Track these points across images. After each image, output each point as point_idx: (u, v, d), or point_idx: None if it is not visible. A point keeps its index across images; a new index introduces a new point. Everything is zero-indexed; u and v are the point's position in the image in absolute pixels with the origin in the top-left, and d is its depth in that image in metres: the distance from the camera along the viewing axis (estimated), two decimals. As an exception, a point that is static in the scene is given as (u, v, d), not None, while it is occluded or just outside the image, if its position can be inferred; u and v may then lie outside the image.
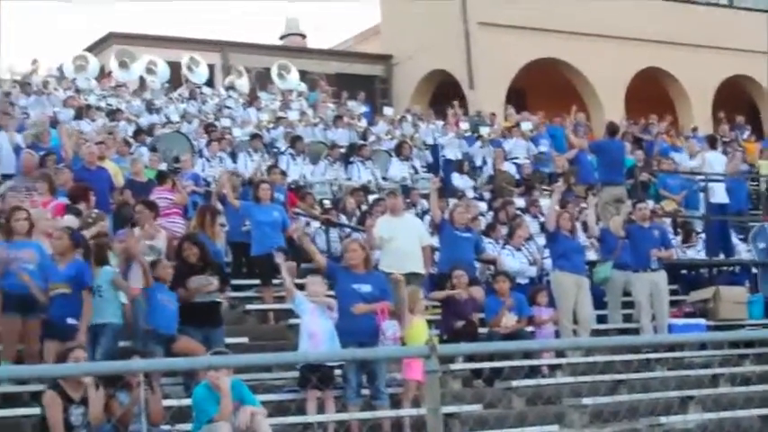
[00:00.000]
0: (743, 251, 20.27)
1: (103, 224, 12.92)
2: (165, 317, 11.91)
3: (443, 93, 34.49)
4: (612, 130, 19.80)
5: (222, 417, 10.15)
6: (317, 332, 11.92)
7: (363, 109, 28.55)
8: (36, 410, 10.19)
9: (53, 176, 15.04)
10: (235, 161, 21.25)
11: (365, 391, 12.27)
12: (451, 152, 24.14)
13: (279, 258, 12.83)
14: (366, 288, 12.45)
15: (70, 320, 11.36)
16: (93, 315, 11.57)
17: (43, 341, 11.46)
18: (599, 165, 20.07)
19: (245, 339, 13.33)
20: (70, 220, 12.89)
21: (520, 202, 20.27)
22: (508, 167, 23.17)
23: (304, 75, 31.87)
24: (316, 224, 18.58)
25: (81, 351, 10.19)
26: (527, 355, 14.21)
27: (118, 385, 10.02)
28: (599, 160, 20.07)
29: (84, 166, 16.48)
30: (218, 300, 12.60)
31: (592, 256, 17.47)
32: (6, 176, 17.51)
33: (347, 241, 13.60)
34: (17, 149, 18.60)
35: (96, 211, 13.23)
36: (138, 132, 22.22)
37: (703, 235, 20.13)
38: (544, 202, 19.34)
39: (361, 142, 23.73)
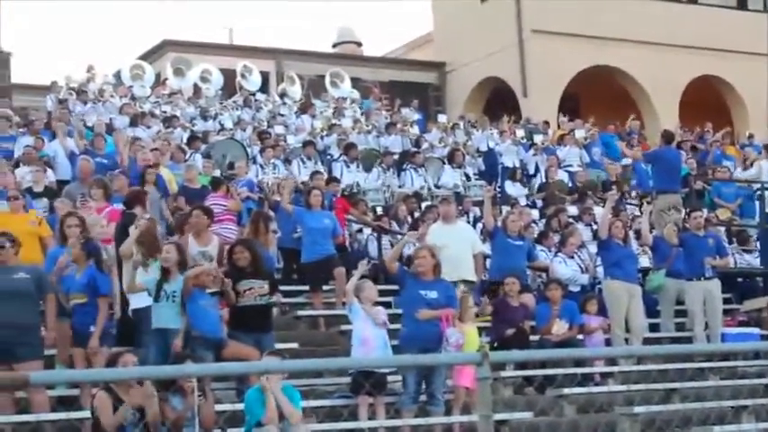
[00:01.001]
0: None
1: (145, 223, 12.85)
2: (208, 321, 11.87)
3: (497, 100, 34.48)
4: (668, 138, 19.72)
5: (269, 420, 10.21)
6: (370, 338, 11.96)
7: (416, 116, 28.56)
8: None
9: (108, 183, 15.19)
10: (288, 168, 21.38)
11: (421, 398, 12.30)
12: (509, 159, 24.10)
13: (361, 267, 12.81)
14: (432, 294, 12.46)
15: (93, 329, 11.48)
16: (165, 320, 11.67)
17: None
18: (655, 173, 19.99)
19: (295, 345, 13.37)
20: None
21: (572, 209, 20.21)
22: (561, 175, 23.11)
23: (357, 82, 31.97)
24: (368, 231, 18.65)
25: (130, 356, 10.32)
26: (578, 363, 14.18)
27: (171, 390, 10.11)
28: (655, 168, 19.99)
29: (140, 172, 16.62)
30: (272, 301, 12.64)
31: (645, 263, 17.39)
32: (62, 183, 17.74)
33: (417, 248, 13.60)
34: (71, 156, 18.84)
35: (147, 215, 13.27)
36: (193, 139, 22.38)
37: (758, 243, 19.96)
38: (597, 210, 19.28)
39: (414, 149, 23.75)
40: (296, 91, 29.77)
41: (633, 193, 22.20)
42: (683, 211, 18.55)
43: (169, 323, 11.68)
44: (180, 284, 11.78)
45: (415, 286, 12.56)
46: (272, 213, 16.17)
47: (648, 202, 18.67)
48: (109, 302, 11.78)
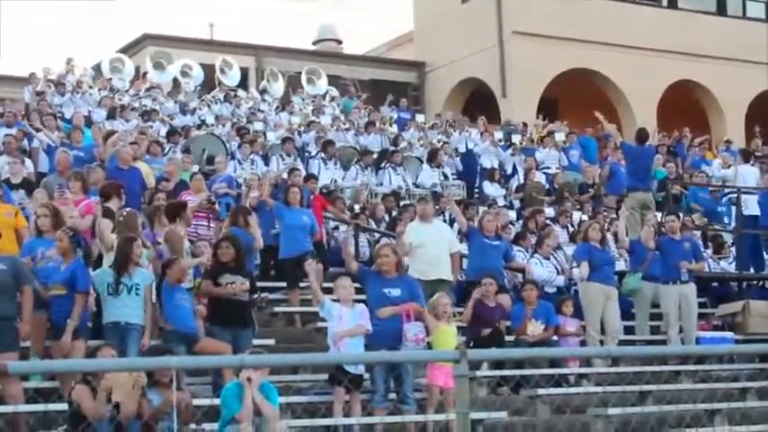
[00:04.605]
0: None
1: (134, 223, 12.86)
2: (183, 316, 11.93)
3: (476, 101, 34.52)
4: (641, 136, 19.69)
5: (245, 416, 10.20)
6: (345, 339, 11.96)
7: (395, 115, 28.53)
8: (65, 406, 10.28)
9: (86, 176, 15.13)
10: (267, 164, 21.36)
11: (392, 396, 12.30)
12: (488, 160, 24.15)
13: (309, 266, 12.86)
14: (396, 292, 12.47)
15: (70, 321, 11.40)
16: (122, 313, 11.63)
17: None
18: (627, 171, 19.99)
19: (272, 341, 13.36)
20: (107, 224, 12.88)
21: (549, 211, 20.26)
22: (539, 177, 23.17)
23: (337, 80, 31.95)
24: (345, 228, 18.65)
25: (108, 349, 10.29)
26: (554, 363, 14.20)
27: (148, 383, 10.08)
28: (627, 166, 20.01)
29: (118, 165, 16.56)
30: (261, 296, 12.70)
31: (621, 266, 17.44)
32: (41, 174, 17.66)
33: (379, 246, 13.62)
34: (49, 148, 18.76)
35: (128, 209, 13.25)
36: (172, 133, 22.32)
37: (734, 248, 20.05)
38: (575, 214, 19.37)
39: (393, 148, 23.77)
40: (278, 87, 29.73)
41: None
42: (653, 209, 18.53)
43: (126, 317, 11.63)
44: (142, 277, 11.77)
45: (378, 285, 12.56)
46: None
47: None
48: (86, 298, 11.70)
